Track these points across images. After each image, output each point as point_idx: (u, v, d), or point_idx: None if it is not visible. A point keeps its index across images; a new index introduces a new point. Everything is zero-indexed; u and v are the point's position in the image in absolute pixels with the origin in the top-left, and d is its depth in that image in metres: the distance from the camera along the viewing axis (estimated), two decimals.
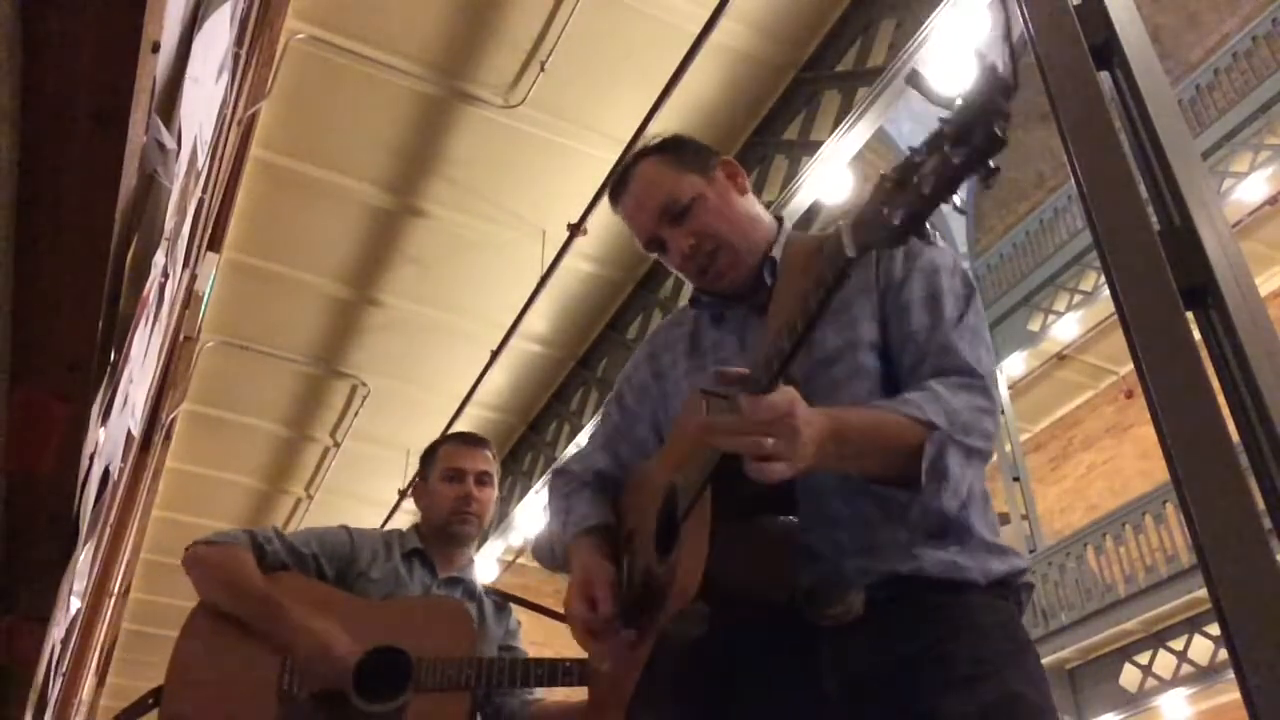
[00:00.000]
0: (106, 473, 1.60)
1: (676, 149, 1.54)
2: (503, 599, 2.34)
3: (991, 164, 0.88)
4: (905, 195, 0.93)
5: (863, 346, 1.34)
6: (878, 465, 1.21)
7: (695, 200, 1.47)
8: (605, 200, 6.09)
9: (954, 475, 1.20)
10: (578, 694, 2.00)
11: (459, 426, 7.35)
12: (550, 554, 1.59)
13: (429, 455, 2.42)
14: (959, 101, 0.89)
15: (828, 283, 1.05)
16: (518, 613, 2.40)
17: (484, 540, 8.36)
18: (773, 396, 1.11)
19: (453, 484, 2.32)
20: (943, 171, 0.89)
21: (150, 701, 2.08)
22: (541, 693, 2.26)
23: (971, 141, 0.87)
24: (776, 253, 1.46)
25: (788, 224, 1.56)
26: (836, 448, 1.14)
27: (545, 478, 7.37)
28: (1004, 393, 11.36)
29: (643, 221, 1.52)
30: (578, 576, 1.41)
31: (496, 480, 2.41)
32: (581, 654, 2.10)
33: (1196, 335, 1.91)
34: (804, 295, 1.10)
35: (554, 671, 2.06)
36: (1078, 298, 11.58)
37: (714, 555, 1.16)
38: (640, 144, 1.61)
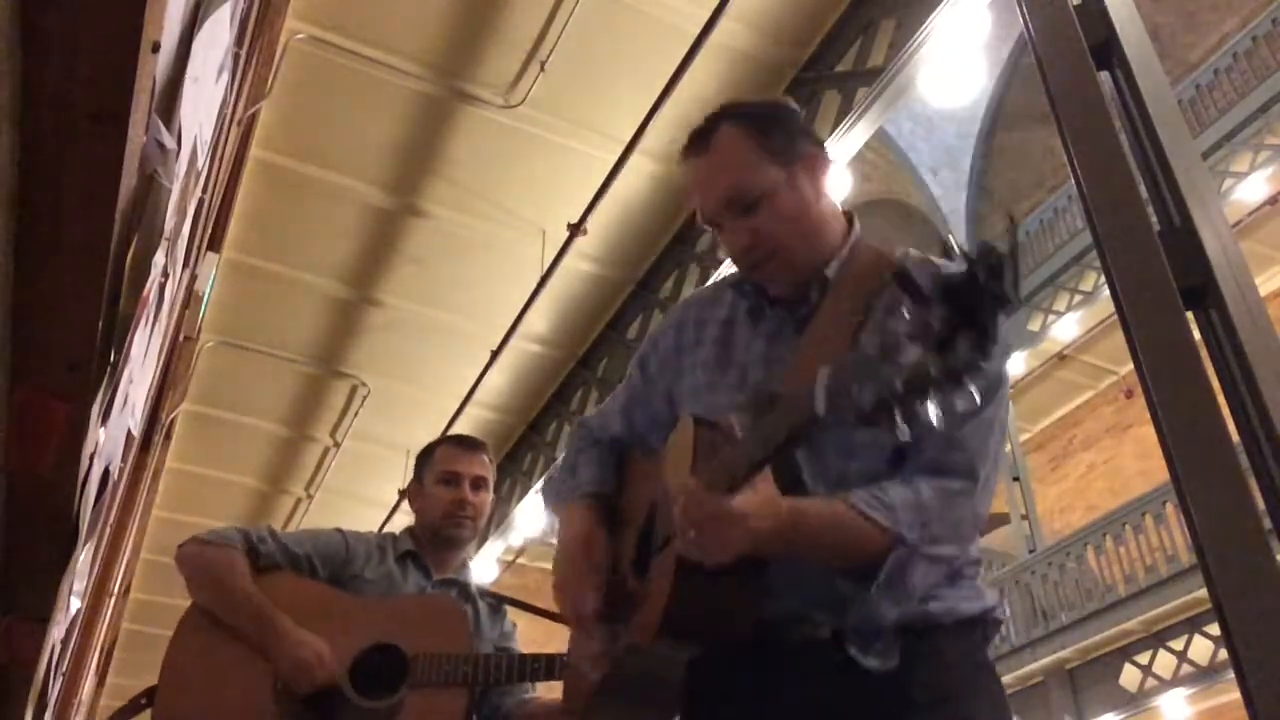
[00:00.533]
0: (106, 473, 1.60)
1: (766, 127, 1.38)
2: (497, 601, 2.33)
3: (968, 386, 0.80)
4: (878, 379, 0.85)
5: None
6: (837, 562, 1.22)
7: (765, 197, 1.34)
8: (605, 200, 6.07)
9: (911, 585, 1.20)
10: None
11: (459, 426, 7.34)
12: (556, 495, 1.60)
13: (425, 457, 2.41)
14: (959, 303, 0.77)
15: (790, 429, 1.03)
16: (515, 616, 2.40)
17: (484, 540, 8.35)
18: (712, 502, 1.12)
19: (448, 488, 2.30)
20: (917, 376, 0.81)
21: (143, 701, 2.07)
22: (542, 689, 2.26)
23: (955, 359, 0.78)
24: (831, 271, 1.36)
25: (857, 227, 1.44)
26: (790, 543, 1.17)
27: (545, 477, 7.37)
28: None
29: (707, 198, 1.39)
30: (578, 541, 1.41)
31: (493, 484, 2.40)
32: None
33: (1196, 335, 1.91)
34: (763, 434, 1.09)
35: (550, 665, 2.07)
36: (1078, 298, 11.59)
37: (673, 602, 1.19)
38: (729, 103, 1.48)
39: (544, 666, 2.07)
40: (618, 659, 1.30)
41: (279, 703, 2.00)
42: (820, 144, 1.46)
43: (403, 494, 7.66)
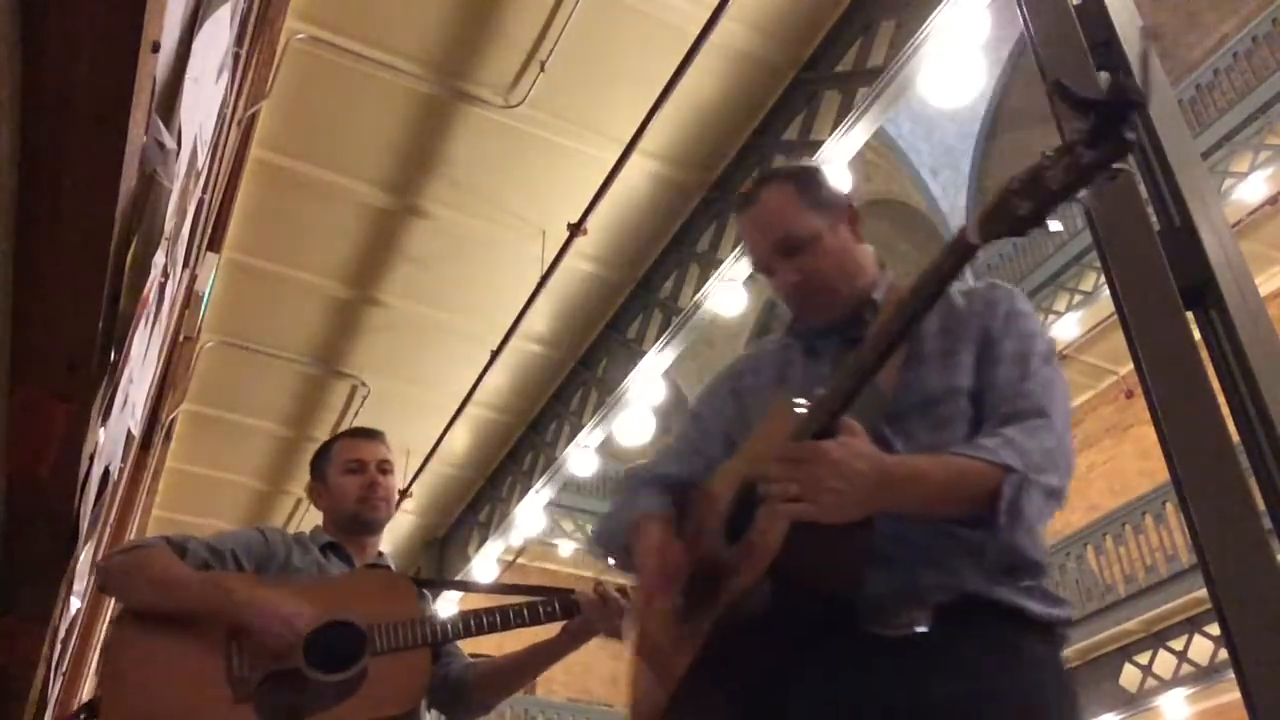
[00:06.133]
0: (106, 473, 1.60)
1: (808, 184, 1.58)
2: (420, 585, 2.35)
3: (1116, 165, 1.00)
4: (1034, 191, 1.05)
5: (962, 393, 1.42)
6: (952, 509, 1.27)
7: (812, 240, 1.52)
8: (605, 200, 6.06)
9: (1029, 514, 1.25)
10: (513, 641, 2.13)
11: (459, 426, 7.34)
12: (608, 540, 1.63)
13: (322, 455, 2.44)
14: (1091, 112, 0.99)
15: (942, 270, 1.16)
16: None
17: (484, 540, 8.35)
18: (802, 445, 1.22)
19: (356, 475, 2.34)
20: (1071, 169, 1.01)
21: (82, 716, 1.98)
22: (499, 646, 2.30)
23: (1103, 144, 0.98)
24: (878, 295, 1.53)
25: (889, 270, 1.62)
26: (903, 492, 1.24)
27: (545, 477, 7.35)
28: None
29: (759, 246, 1.57)
30: (651, 543, 1.46)
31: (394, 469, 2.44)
32: (520, 599, 2.19)
33: (1196, 335, 1.91)
34: (909, 290, 1.20)
35: (506, 617, 2.16)
36: (1078, 298, 11.59)
37: (791, 535, 1.22)
38: (774, 166, 1.69)
39: (500, 618, 2.15)
40: (719, 617, 1.31)
41: (237, 689, 1.97)
42: (850, 198, 1.63)
43: (403, 494, 7.65)
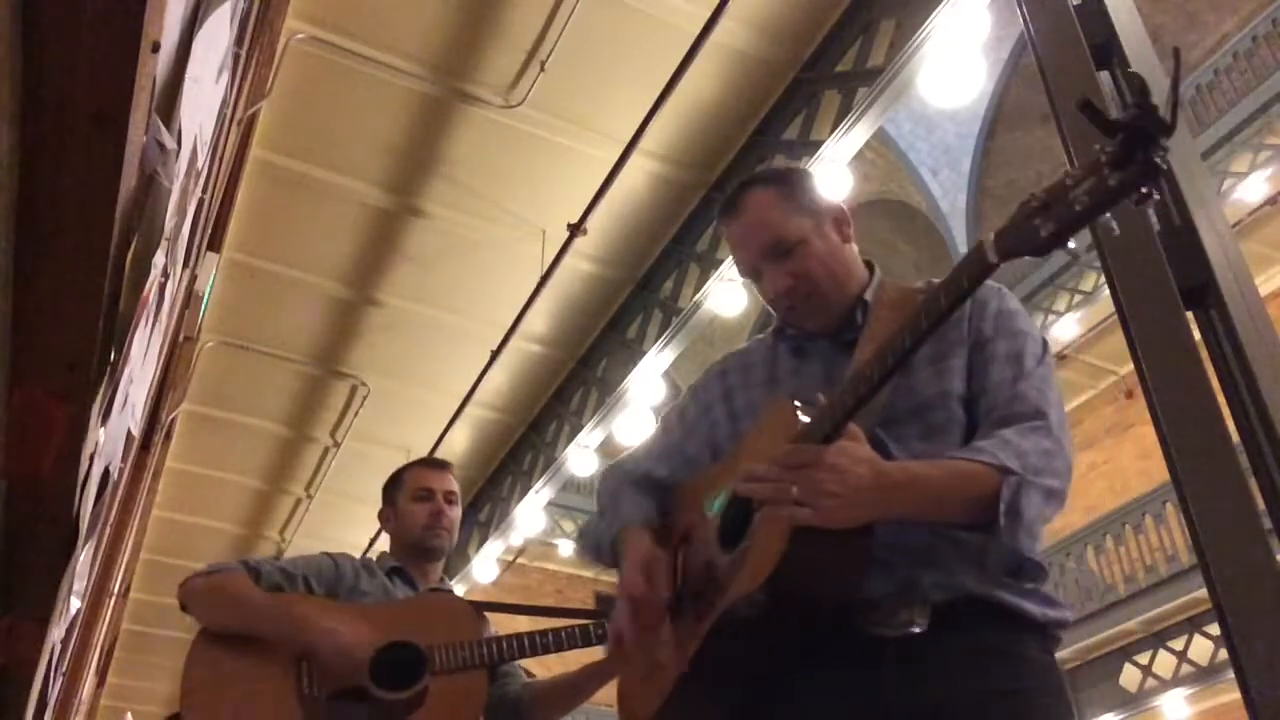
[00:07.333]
0: (106, 473, 1.60)
1: (793, 186, 1.56)
2: (478, 609, 2.40)
3: (1144, 190, 0.96)
4: (1057, 211, 1.01)
5: (954, 397, 1.40)
6: (952, 512, 1.26)
7: (801, 243, 1.50)
8: (605, 200, 6.06)
9: (1029, 516, 1.24)
10: (572, 660, 2.17)
11: (459, 426, 7.34)
12: (595, 548, 1.62)
13: (395, 482, 2.54)
14: (1119, 135, 0.96)
15: (960, 287, 1.13)
16: (518, 622, 2.46)
17: (484, 540, 8.36)
18: (802, 449, 1.20)
19: (424, 503, 2.45)
20: (1097, 191, 0.98)
21: None
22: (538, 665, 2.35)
23: (1130, 166, 0.95)
24: (869, 295, 1.52)
25: (877, 272, 1.60)
26: (903, 496, 1.22)
27: (545, 477, 7.36)
28: None
29: (747, 251, 1.55)
30: (636, 558, 1.44)
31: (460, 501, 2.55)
32: (573, 621, 2.25)
33: (1196, 335, 1.91)
34: (920, 306, 1.17)
35: (559, 638, 2.22)
36: (1078, 298, 11.59)
37: (792, 541, 1.20)
38: (758, 170, 1.67)
39: (553, 639, 2.22)
40: (715, 624, 1.30)
41: (306, 707, 2.07)
42: (836, 200, 1.60)
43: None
